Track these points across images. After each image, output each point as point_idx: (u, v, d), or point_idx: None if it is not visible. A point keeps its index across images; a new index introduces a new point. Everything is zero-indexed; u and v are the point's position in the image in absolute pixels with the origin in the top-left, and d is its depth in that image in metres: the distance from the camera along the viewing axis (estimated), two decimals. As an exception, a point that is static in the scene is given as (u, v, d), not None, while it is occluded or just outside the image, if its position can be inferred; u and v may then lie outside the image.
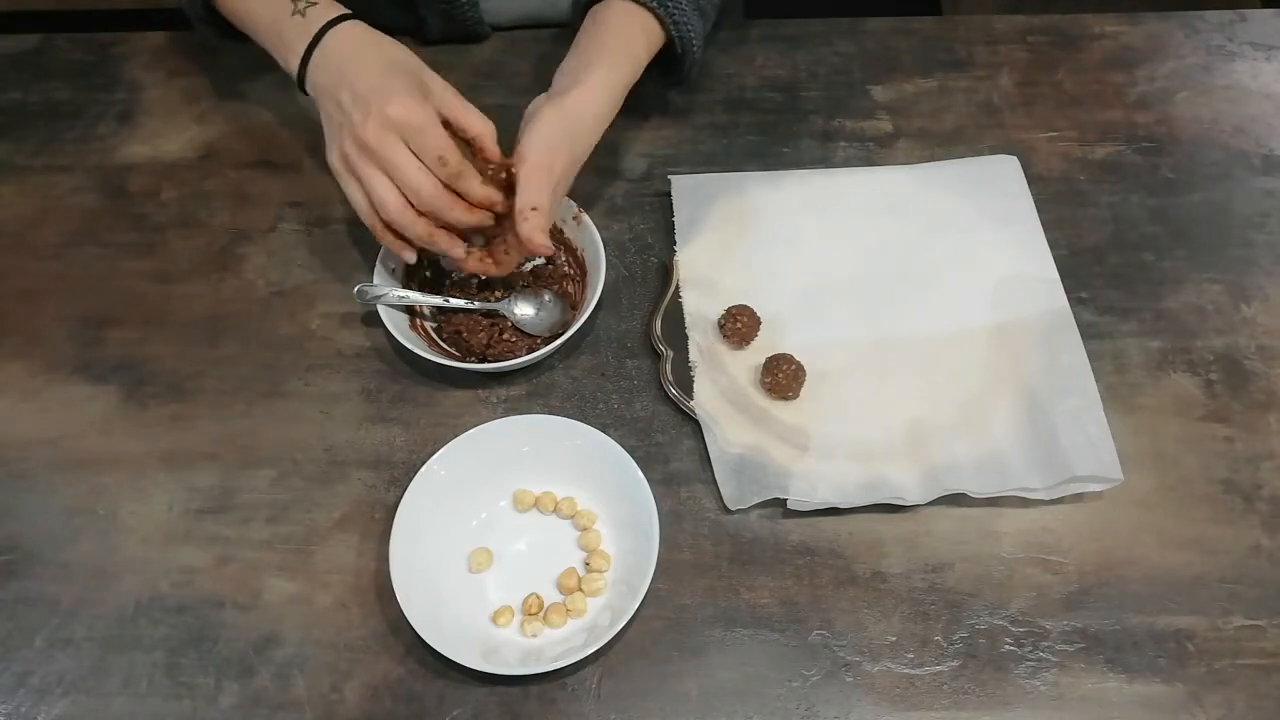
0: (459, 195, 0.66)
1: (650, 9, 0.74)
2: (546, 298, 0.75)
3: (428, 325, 0.75)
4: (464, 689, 0.60)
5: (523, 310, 0.74)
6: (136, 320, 0.77)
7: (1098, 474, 0.65)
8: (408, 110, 0.64)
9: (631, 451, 0.65)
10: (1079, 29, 0.93)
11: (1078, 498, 0.66)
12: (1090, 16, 0.94)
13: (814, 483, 0.66)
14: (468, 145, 0.67)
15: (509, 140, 0.70)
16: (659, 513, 0.63)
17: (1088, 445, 0.66)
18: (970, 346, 0.72)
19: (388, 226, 0.68)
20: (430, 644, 0.59)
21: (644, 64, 0.74)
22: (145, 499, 0.68)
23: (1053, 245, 0.77)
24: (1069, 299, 0.73)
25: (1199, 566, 0.64)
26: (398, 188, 0.65)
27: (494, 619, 0.63)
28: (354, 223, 0.70)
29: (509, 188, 0.68)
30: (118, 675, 0.62)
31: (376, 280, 0.74)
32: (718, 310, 0.73)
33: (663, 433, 0.70)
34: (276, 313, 0.77)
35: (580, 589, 0.64)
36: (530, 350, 0.71)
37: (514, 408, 0.72)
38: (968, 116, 0.87)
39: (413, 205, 0.66)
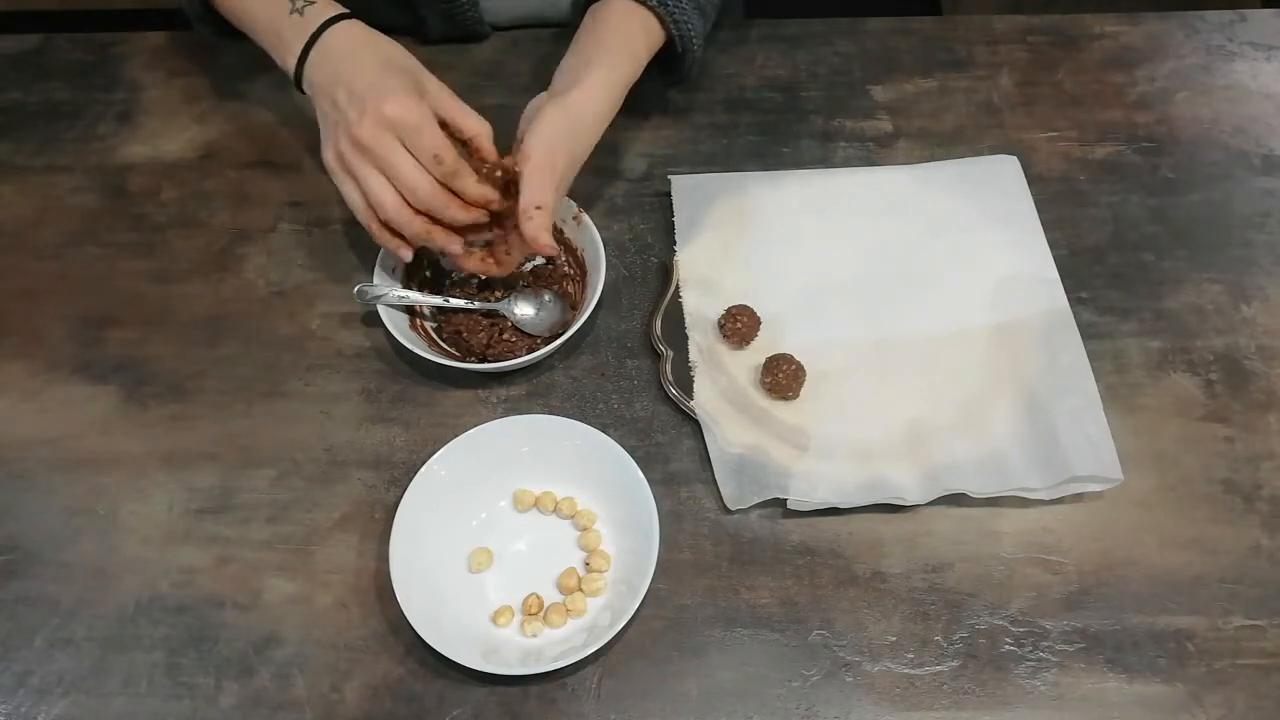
0: (455, 194, 0.66)
1: (650, 7, 0.74)
2: (546, 298, 0.75)
3: (428, 325, 0.75)
4: (464, 689, 0.60)
5: (523, 310, 0.74)
6: (136, 320, 0.77)
7: (1098, 474, 0.65)
8: (404, 109, 0.64)
9: (631, 451, 0.65)
10: (1079, 29, 0.93)
11: (1078, 498, 0.66)
12: (1090, 16, 0.94)
13: (814, 483, 0.66)
14: (464, 146, 0.67)
15: (508, 140, 0.70)
16: (659, 513, 0.63)
17: (1088, 445, 0.66)
18: (970, 346, 0.72)
19: (384, 224, 0.68)
20: (430, 644, 0.59)
21: (644, 62, 0.74)
22: (145, 499, 0.68)
23: (1053, 245, 0.77)
24: (1069, 299, 0.73)
25: (1199, 566, 0.64)
26: (394, 186, 0.65)
27: (494, 619, 0.63)
28: (354, 223, 0.70)
29: (505, 187, 0.68)
30: (118, 675, 0.62)
31: (376, 280, 0.74)
32: (718, 310, 0.73)
33: (663, 433, 0.70)
34: (276, 313, 0.77)
35: (580, 589, 0.64)
36: (530, 350, 0.71)
37: (514, 408, 0.72)
38: (968, 116, 0.87)
39: (409, 203, 0.66)
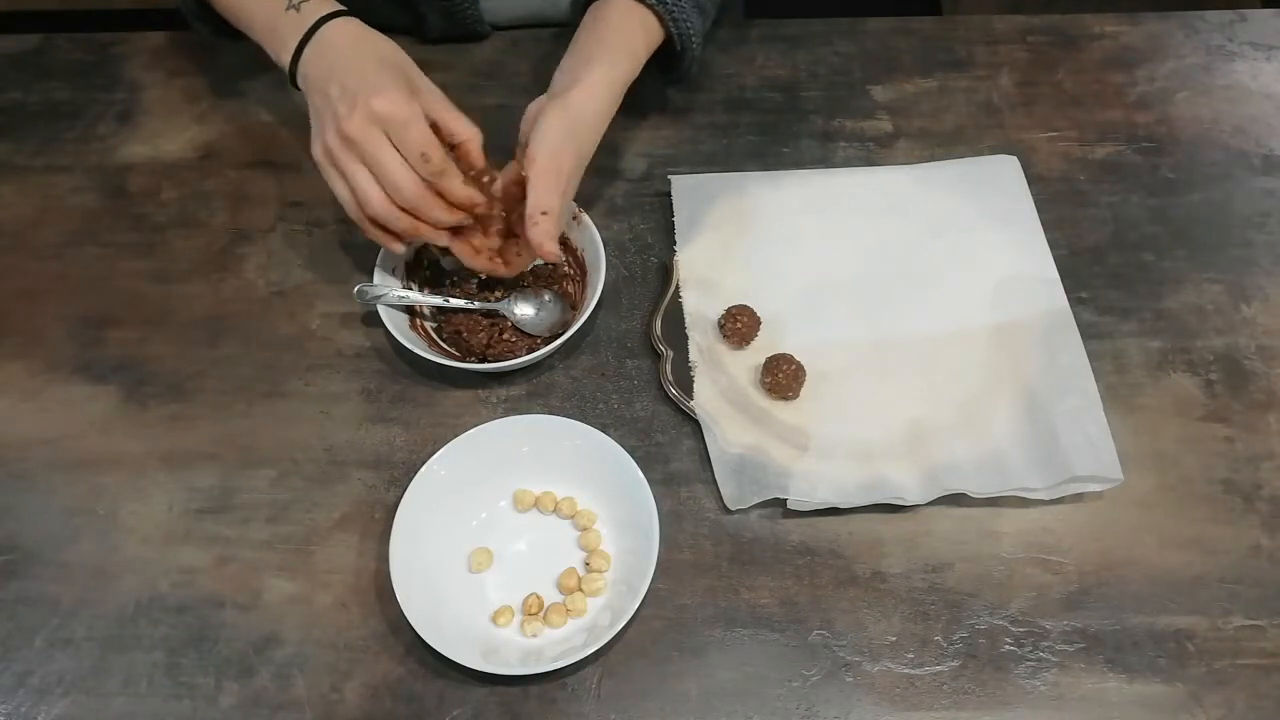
0: (441, 194, 0.66)
1: (649, 6, 0.74)
2: (546, 298, 0.75)
3: (428, 325, 0.75)
4: (464, 689, 0.60)
5: (523, 310, 0.74)
6: (136, 320, 0.77)
7: (1098, 474, 0.65)
8: (393, 105, 0.63)
9: (631, 451, 0.65)
10: (1079, 29, 0.93)
11: (1078, 498, 0.66)
12: (1090, 16, 0.94)
13: (814, 483, 0.66)
14: (453, 151, 0.67)
15: (507, 141, 0.70)
16: (659, 513, 0.63)
17: (1088, 445, 0.66)
18: (970, 346, 0.72)
19: (372, 220, 0.68)
20: (430, 644, 0.59)
21: (643, 61, 0.74)
22: (145, 499, 0.68)
23: (1053, 245, 0.77)
24: (1069, 299, 0.73)
25: (1199, 566, 0.64)
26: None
27: (494, 619, 0.63)
28: (353, 222, 0.70)
29: (492, 191, 0.67)
30: (118, 675, 0.62)
31: (376, 280, 0.74)
32: (718, 310, 0.73)
33: (663, 433, 0.70)
34: (276, 313, 0.77)
35: (580, 589, 0.64)
36: (530, 350, 0.71)
37: (514, 408, 0.72)
38: (968, 116, 0.87)
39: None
